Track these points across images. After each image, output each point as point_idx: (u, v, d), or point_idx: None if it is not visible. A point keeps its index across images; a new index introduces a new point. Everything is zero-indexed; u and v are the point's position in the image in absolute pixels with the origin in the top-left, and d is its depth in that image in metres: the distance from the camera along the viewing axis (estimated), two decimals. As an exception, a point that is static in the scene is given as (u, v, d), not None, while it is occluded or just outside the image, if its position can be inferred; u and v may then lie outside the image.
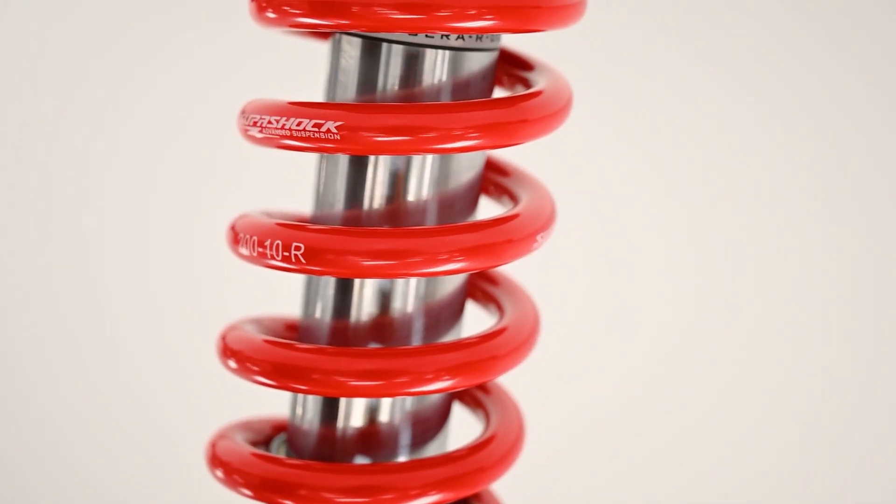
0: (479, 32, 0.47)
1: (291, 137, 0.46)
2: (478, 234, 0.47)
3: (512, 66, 0.52)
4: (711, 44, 1.03)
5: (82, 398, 1.05)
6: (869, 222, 1.04)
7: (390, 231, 0.47)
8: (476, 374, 0.48)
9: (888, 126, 1.04)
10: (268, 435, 0.54)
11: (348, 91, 0.49)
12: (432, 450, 0.52)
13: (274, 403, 0.55)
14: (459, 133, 0.46)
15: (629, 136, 1.04)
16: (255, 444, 0.53)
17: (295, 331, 0.54)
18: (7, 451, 1.06)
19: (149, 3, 1.01)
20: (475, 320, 0.53)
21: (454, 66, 0.49)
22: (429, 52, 0.48)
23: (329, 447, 0.51)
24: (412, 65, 0.48)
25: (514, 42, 0.52)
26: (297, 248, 0.47)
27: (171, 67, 1.01)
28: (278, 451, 0.54)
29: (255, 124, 0.47)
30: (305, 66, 0.64)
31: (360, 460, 0.51)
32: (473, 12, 0.46)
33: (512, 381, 0.55)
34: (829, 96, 1.03)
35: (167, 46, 1.02)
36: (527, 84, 0.50)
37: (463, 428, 0.54)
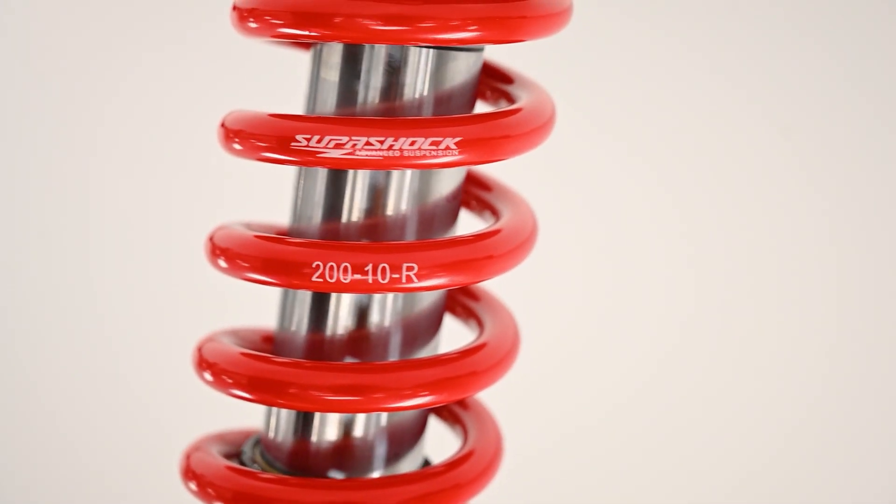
0: (464, 44, 0.47)
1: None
2: (459, 249, 0.47)
3: (495, 80, 0.51)
4: (708, 43, 1.03)
5: (82, 398, 1.05)
6: (867, 221, 1.04)
7: (370, 246, 0.47)
8: (455, 391, 0.48)
9: (886, 124, 1.04)
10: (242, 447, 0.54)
11: (328, 100, 0.49)
12: (407, 464, 0.52)
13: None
14: (288, 143, 0.46)
15: (626, 138, 1.04)
16: (229, 456, 0.52)
17: (272, 343, 0.53)
18: (7, 451, 1.05)
19: (147, 5, 1.01)
20: (454, 334, 0.53)
21: (437, 69, 0.48)
22: (412, 55, 0.48)
23: (303, 460, 0.51)
24: (394, 71, 0.48)
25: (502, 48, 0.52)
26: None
27: (172, 68, 1.01)
28: (253, 452, 0.53)
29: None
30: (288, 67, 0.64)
31: (335, 474, 0.51)
32: (457, 23, 0.45)
33: (509, 383, 0.54)
34: (826, 95, 1.03)
35: (166, 48, 1.02)
36: (510, 99, 0.50)
37: (440, 442, 0.54)
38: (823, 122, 1.03)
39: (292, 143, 0.45)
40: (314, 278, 0.46)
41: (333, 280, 0.46)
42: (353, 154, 0.45)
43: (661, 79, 1.03)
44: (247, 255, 0.47)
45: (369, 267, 0.46)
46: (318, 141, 0.45)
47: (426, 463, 0.53)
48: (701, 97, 1.03)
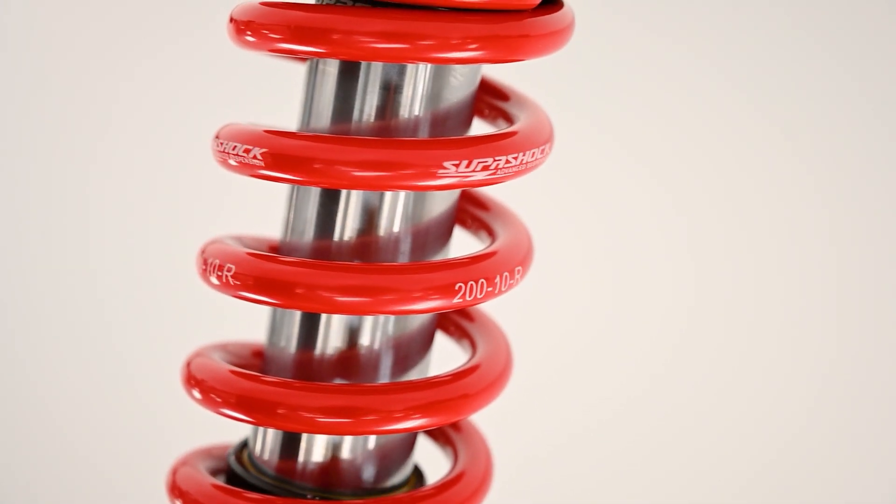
0: (464, 63, 0.46)
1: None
2: (455, 271, 0.46)
3: (492, 97, 0.51)
4: (710, 44, 1.02)
5: (83, 398, 1.04)
6: (869, 222, 1.04)
7: (363, 266, 0.46)
8: (447, 414, 0.47)
9: (887, 126, 1.04)
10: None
11: (324, 116, 0.48)
12: (393, 483, 0.51)
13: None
14: (436, 171, 0.45)
15: (627, 140, 1.04)
16: (217, 472, 0.51)
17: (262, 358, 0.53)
18: (7, 451, 1.05)
19: (147, 7, 1.01)
20: (446, 354, 0.52)
21: (434, 86, 0.47)
22: (409, 72, 0.47)
23: (289, 479, 0.50)
24: (391, 88, 0.47)
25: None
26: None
27: (174, 68, 1.01)
28: (241, 452, 0.53)
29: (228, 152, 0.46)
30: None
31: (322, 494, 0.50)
32: (457, 42, 0.45)
33: (511, 387, 0.54)
34: (827, 97, 1.02)
35: (168, 47, 1.01)
36: (508, 118, 0.49)
37: (431, 462, 0.53)
38: (825, 123, 1.03)
39: (440, 171, 0.45)
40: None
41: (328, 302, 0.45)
42: (496, 173, 0.46)
43: (660, 80, 1.02)
44: (241, 273, 0.46)
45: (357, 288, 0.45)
46: (468, 165, 0.45)
47: (417, 471, 0.53)
48: (701, 99, 1.03)
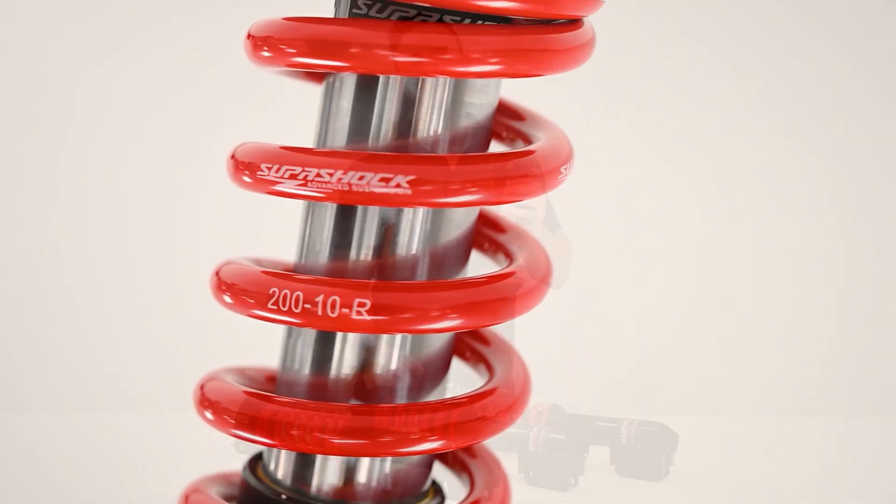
0: (484, 77, 0.45)
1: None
2: (472, 290, 0.45)
3: (509, 118, 0.50)
4: (711, 45, 1.02)
5: (82, 398, 1.04)
6: (869, 221, 1.04)
7: (382, 284, 0.45)
8: (464, 436, 0.46)
9: (888, 126, 1.04)
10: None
11: (340, 133, 0.47)
12: (413, 494, 0.50)
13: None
14: (457, 188, 0.44)
15: (630, 137, 1.03)
16: (229, 498, 0.50)
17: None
18: (7, 450, 1.05)
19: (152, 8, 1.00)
20: (459, 374, 0.51)
21: (453, 104, 0.46)
22: (428, 89, 0.46)
23: (305, 491, 0.49)
24: (410, 105, 0.46)
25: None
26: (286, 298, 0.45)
27: (178, 68, 1.00)
28: (256, 464, 0.52)
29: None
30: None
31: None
32: (477, 56, 0.44)
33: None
34: (829, 97, 1.02)
35: (174, 47, 1.00)
36: (525, 138, 0.48)
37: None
38: (828, 126, 1.03)
39: (558, 177, 0.46)
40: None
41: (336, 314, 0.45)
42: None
43: (661, 81, 1.02)
44: (254, 291, 0.45)
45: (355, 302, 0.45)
46: (565, 170, 0.46)
47: (434, 484, 0.52)
48: (705, 98, 1.03)
